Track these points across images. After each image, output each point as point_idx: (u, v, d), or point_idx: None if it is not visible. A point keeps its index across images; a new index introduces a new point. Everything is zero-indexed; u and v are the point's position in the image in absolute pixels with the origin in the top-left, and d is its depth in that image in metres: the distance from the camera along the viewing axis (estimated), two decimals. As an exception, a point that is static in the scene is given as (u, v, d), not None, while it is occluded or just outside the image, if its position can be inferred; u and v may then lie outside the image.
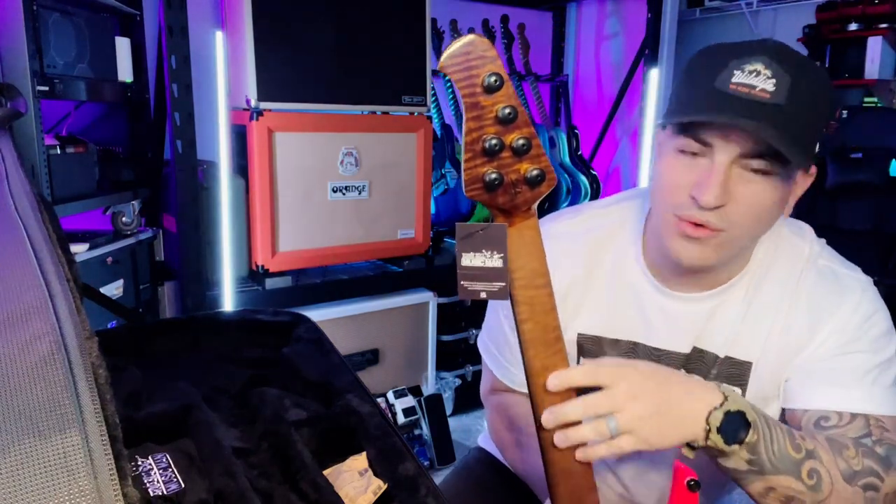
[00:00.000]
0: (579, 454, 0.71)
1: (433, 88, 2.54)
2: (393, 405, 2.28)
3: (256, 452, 0.82)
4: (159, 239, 2.20)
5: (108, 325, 1.83)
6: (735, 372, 0.89)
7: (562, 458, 0.72)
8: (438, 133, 2.96)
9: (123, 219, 2.01)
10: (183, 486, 0.70)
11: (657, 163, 0.84)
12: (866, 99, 3.41)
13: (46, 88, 1.57)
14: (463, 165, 0.64)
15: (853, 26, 3.38)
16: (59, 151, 1.67)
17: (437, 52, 2.97)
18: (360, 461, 0.81)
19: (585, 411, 0.69)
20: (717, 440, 0.69)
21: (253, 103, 1.96)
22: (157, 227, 2.19)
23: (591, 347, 0.95)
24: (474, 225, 0.67)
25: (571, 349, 0.95)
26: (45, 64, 1.57)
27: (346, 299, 2.26)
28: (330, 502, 0.72)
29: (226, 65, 2.08)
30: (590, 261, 0.94)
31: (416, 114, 2.28)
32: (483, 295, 0.68)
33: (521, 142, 0.63)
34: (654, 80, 2.96)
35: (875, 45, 3.32)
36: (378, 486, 0.77)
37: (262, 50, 1.95)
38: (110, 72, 1.90)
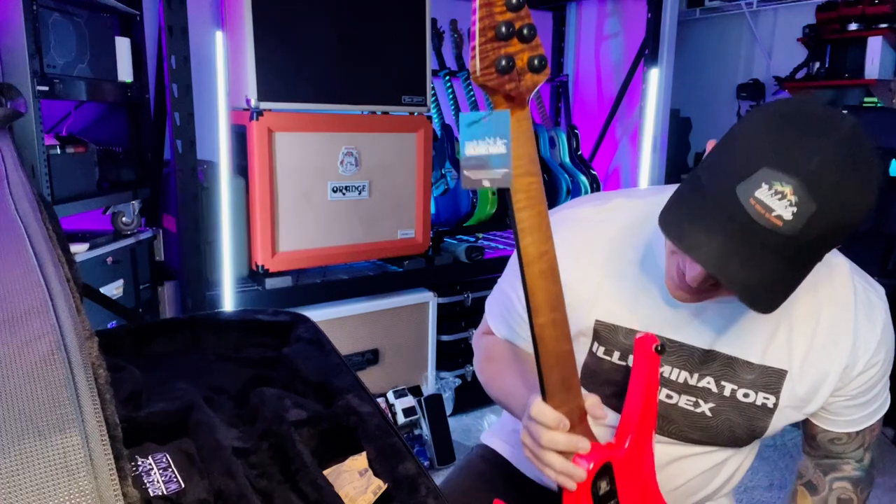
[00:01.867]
0: None
1: (433, 88, 2.54)
2: (393, 405, 2.28)
3: (256, 452, 0.82)
4: (159, 239, 2.20)
5: (108, 325, 1.83)
6: (771, 381, 0.90)
7: (555, 345, 0.77)
8: (438, 133, 2.96)
9: (123, 219, 2.01)
10: (183, 486, 0.70)
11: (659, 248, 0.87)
12: (866, 99, 3.41)
13: (46, 88, 1.57)
14: (477, 50, 0.67)
15: (853, 26, 3.38)
16: (59, 151, 1.67)
17: (437, 52, 2.97)
18: (360, 461, 0.81)
19: None
20: None
21: (253, 103, 1.96)
22: (157, 227, 2.19)
23: (606, 335, 0.95)
24: (478, 113, 0.70)
25: (588, 335, 0.95)
26: (45, 64, 1.57)
27: (346, 299, 2.26)
28: (330, 502, 0.72)
29: (226, 65, 2.08)
30: (616, 249, 0.93)
31: (416, 114, 2.27)
32: (486, 183, 0.69)
33: (526, 29, 0.66)
34: (654, 80, 2.96)
35: (875, 45, 3.32)
36: (378, 486, 0.77)
37: (262, 50, 1.95)
38: (110, 72, 1.90)
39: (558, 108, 3.52)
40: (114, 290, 1.90)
